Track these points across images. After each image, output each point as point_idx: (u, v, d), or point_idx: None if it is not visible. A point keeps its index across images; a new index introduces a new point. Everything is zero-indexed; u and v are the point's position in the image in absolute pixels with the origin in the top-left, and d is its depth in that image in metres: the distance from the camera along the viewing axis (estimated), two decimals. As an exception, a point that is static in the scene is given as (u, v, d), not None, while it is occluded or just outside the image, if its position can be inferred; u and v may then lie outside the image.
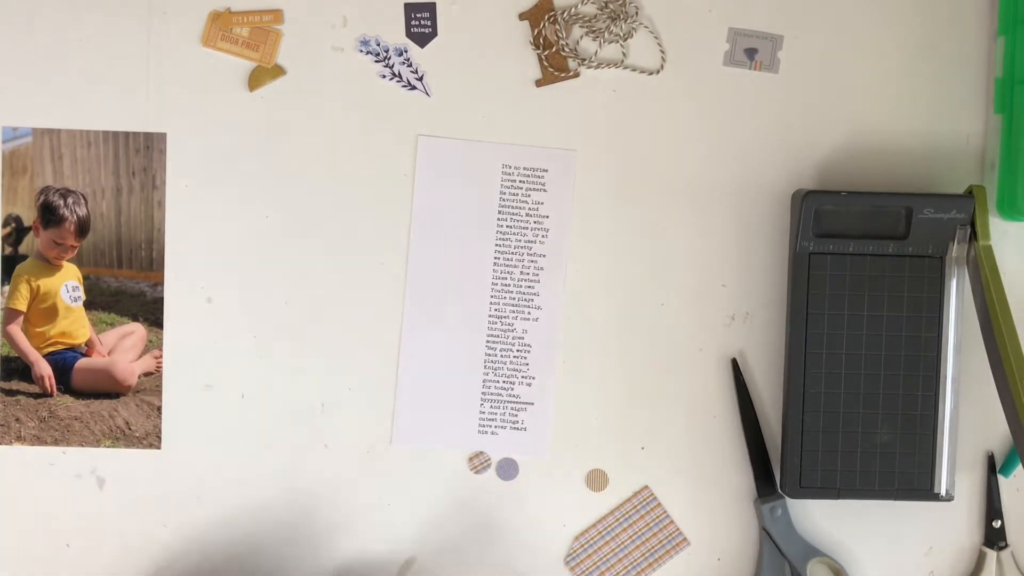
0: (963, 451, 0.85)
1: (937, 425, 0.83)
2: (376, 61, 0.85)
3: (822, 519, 0.86)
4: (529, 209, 0.86)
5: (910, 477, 0.83)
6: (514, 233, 0.86)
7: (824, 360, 0.83)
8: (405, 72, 0.85)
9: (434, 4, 0.85)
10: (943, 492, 0.83)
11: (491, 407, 0.86)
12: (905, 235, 0.82)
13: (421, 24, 0.85)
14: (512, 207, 0.86)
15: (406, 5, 0.85)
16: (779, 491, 0.85)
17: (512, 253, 0.86)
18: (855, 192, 0.82)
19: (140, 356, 0.86)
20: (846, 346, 0.83)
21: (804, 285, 0.82)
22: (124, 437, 0.86)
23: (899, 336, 0.83)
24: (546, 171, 0.85)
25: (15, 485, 0.86)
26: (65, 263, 0.86)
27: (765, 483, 0.85)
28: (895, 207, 0.82)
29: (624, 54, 0.85)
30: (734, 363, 0.86)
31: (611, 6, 0.84)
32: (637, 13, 0.85)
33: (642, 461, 0.86)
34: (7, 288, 0.86)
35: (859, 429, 0.83)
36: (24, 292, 0.86)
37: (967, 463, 0.86)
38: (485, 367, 0.86)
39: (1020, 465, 0.86)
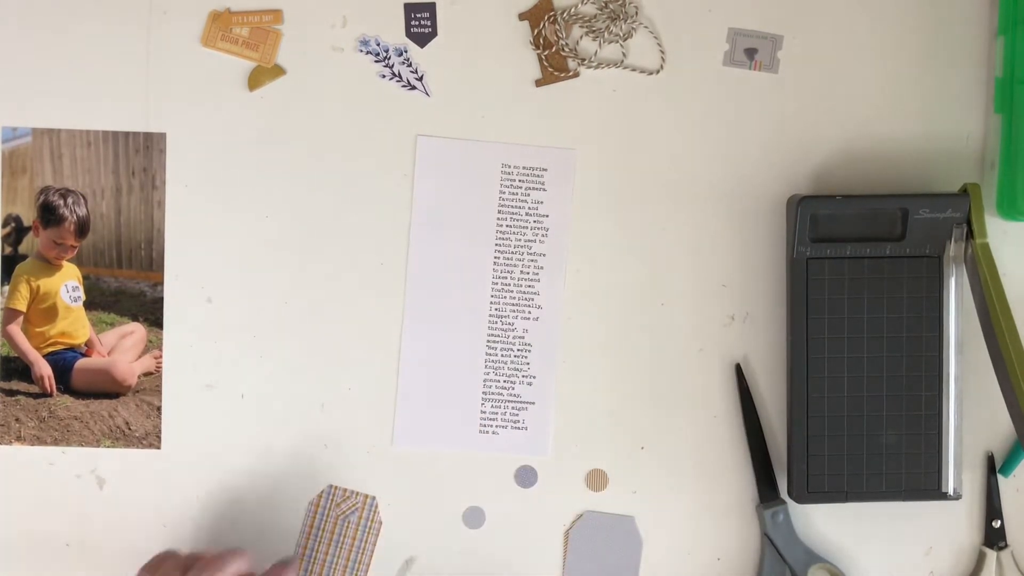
0: (963, 451, 0.85)
1: (942, 424, 0.83)
2: (376, 61, 0.85)
3: (822, 521, 0.86)
4: (529, 209, 0.86)
5: (917, 477, 0.83)
6: (514, 233, 0.86)
7: (826, 364, 0.83)
8: (405, 72, 0.85)
9: (434, 4, 0.85)
10: (951, 491, 0.83)
11: (492, 407, 0.86)
12: (902, 236, 0.82)
13: (421, 24, 0.85)
14: (512, 207, 0.86)
15: (406, 5, 0.85)
16: (782, 496, 0.85)
17: (512, 253, 0.86)
18: (850, 196, 0.82)
19: (140, 356, 0.86)
20: (848, 349, 0.83)
21: (803, 291, 0.82)
22: (124, 437, 0.86)
23: (900, 337, 0.83)
24: (546, 171, 0.86)
25: (15, 485, 0.86)
26: (65, 263, 0.86)
27: (767, 488, 0.85)
28: (891, 209, 0.82)
29: (624, 54, 0.85)
30: (738, 368, 0.86)
31: (611, 6, 0.84)
32: (637, 13, 0.85)
33: (642, 461, 0.86)
34: (7, 288, 0.86)
35: (864, 431, 0.83)
36: (24, 292, 0.86)
37: (967, 463, 0.86)
38: (486, 367, 0.86)
39: (1020, 465, 0.86)
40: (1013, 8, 0.81)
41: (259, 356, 0.86)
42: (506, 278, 0.86)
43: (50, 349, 0.86)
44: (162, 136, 0.85)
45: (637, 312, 0.86)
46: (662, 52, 0.85)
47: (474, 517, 0.87)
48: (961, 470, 0.84)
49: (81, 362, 0.86)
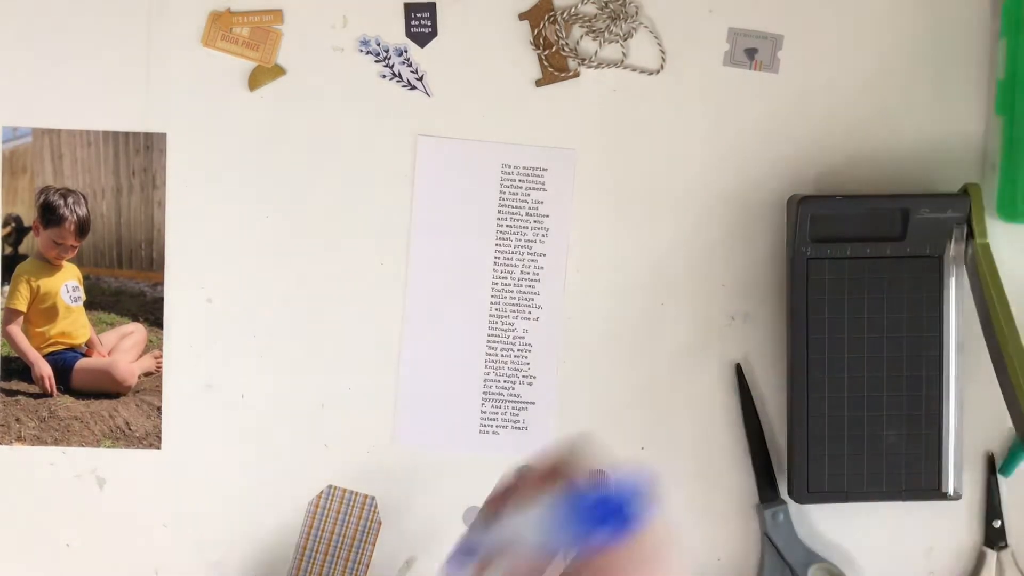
0: (963, 451, 0.85)
1: (942, 424, 0.83)
2: (376, 61, 0.85)
3: (822, 522, 0.86)
4: (529, 208, 0.86)
5: (917, 477, 0.83)
6: (514, 233, 0.86)
7: (827, 364, 0.83)
8: (405, 72, 0.85)
9: (434, 4, 0.85)
10: (951, 491, 0.83)
11: (492, 407, 0.86)
12: (902, 236, 0.82)
13: (421, 24, 0.85)
14: (512, 207, 0.86)
15: (406, 5, 0.85)
16: (782, 496, 0.85)
17: (512, 253, 0.86)
18: (850, 196, 0.82)
19: (140, 356, 0.86)
20: (848, 349, 0.83)
21: (803, 290, 0.82)
22: (124, 437, 0.86)
23: (900, 337, 0.83)
24: (546, 170, 0.86)
25: (15, 485, 0.86)
26: (65, 263, 0.86)
27: (767, 488, 0.85)
28: (891, 209, 0.82)
29: (624, 54, 0.85)
30: (738, 368, 0.86)
31: (611, 6, 0.84)
32: (637, 13, 0.85)
33: (642, 461, 0.86)
34: (7, 288, 0.86)
35: (864, 431, 0.83)
36: (24, 292, 0.85)
37: (967, 463, 0.86)
38: (486, 366, 0.86)
39: (1020, 465, 0.86)
40: (1015, 10, 0.81)
41: (259, 356, 0.86)
42: (506, 278, 0.86)
43: (50, 349, 0.86)
44: (162, 136, 0.85)
45: (637, 312, 0.86)
46: (662, 52, 0.85)
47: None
48: (961, 470, 0.84)
49: (81, 362, 0.86)
